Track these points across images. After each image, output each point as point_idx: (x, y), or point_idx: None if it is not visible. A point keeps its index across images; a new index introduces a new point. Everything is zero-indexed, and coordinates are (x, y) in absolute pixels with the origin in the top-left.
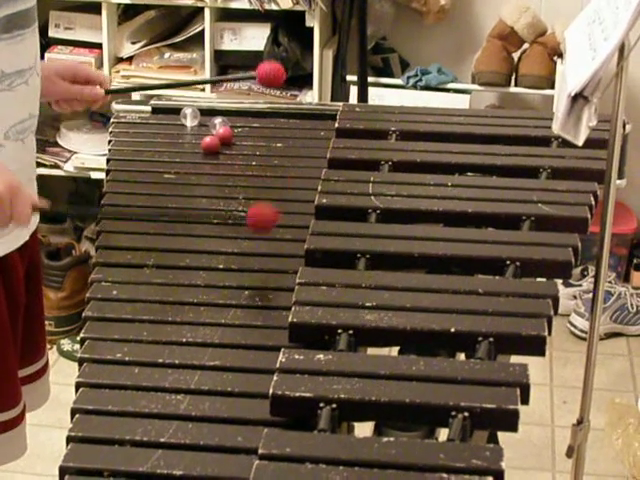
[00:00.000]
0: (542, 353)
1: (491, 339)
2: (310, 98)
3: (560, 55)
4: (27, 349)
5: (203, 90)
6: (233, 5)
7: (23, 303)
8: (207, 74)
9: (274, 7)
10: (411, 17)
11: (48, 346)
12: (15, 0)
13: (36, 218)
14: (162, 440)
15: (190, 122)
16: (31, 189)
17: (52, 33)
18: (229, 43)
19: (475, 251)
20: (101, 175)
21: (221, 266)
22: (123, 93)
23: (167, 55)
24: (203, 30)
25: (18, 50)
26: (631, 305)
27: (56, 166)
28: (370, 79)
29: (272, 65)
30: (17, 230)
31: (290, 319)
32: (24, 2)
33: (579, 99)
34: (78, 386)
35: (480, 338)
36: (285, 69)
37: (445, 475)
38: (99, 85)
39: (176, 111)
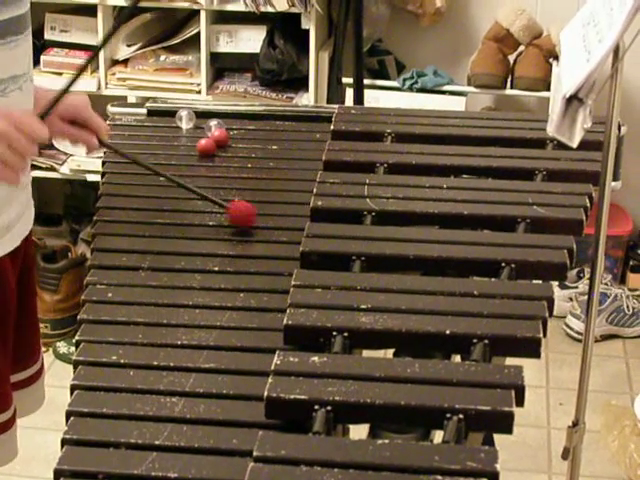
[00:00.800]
0: (537, 355)
1: (486, 341)
2: (306, 100)
3: (556, 57)
4: (20, 354)
5: (199, 92)
6: (229, 7)
7: (14, 308)
8: (203, 76)
9: (270, 9)
10: (407, 19)
11: (44, 349)
12: (8, 6)
13: (29, 221)
14: (157, 443)
15: (185, 124)
16: (23, 195)
17: (48, 36)
18: (225, 45)
19: (470, 253)
20: (97, 177)
21: (216, 268)
22: (115, 152)
23: (163, 58)
24: (199, 32)
25: (12, 56)
26: (627, 307)
27: (52, 169)
28: (366, 81)
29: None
30: (8, 235)
31: (285, 321)
32: (18, 8)
33: (574, 101)
34: (73, 389)
35: (475, 340)
36: (281, 71)
37: (440, 477)
38: (95, 132)
39: (172, 113)
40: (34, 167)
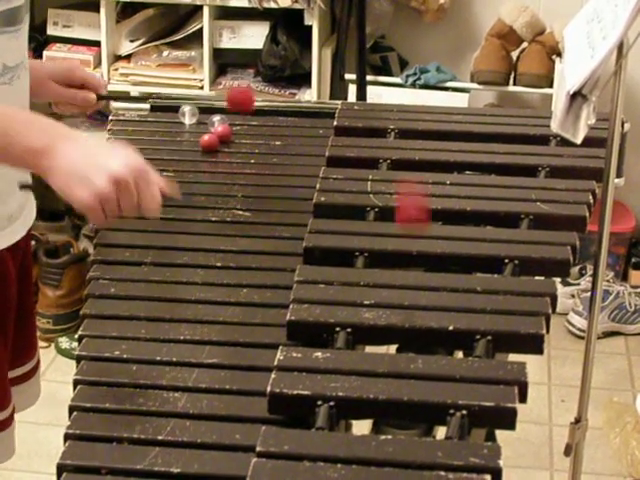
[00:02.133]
0: (540, 351)
1: (489, 337)
2: (309, 96)
3: (559, 54)
4: (18, 350)
5: (202, 88)
6: (232, 3)
7: (15, 304)
8: (206, 72)
9: (273, 5)
10: (410, 16)
11: (46, 344)
12: None
13: (32, 213)
14: (160, 438)
15: (189, 120)
16: (20, 193)
17: (50, 31)
18: (228, 41)
19: (473, 249)
20: None
21: (219, 264)
22: (115, 100)
23: (166, 53)
24: (202, 28)
25: (18, 44)
26: (629, 304)
27: None
28: (369, 77)
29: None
30: (10, 228)
31: (288, 317)
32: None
33: (578, 97)
34: (76, 384)
35: (478, 336)
36: (284, 67)
37: (443, 473)
38: (94, 90)
39: (174, 109)
40: None
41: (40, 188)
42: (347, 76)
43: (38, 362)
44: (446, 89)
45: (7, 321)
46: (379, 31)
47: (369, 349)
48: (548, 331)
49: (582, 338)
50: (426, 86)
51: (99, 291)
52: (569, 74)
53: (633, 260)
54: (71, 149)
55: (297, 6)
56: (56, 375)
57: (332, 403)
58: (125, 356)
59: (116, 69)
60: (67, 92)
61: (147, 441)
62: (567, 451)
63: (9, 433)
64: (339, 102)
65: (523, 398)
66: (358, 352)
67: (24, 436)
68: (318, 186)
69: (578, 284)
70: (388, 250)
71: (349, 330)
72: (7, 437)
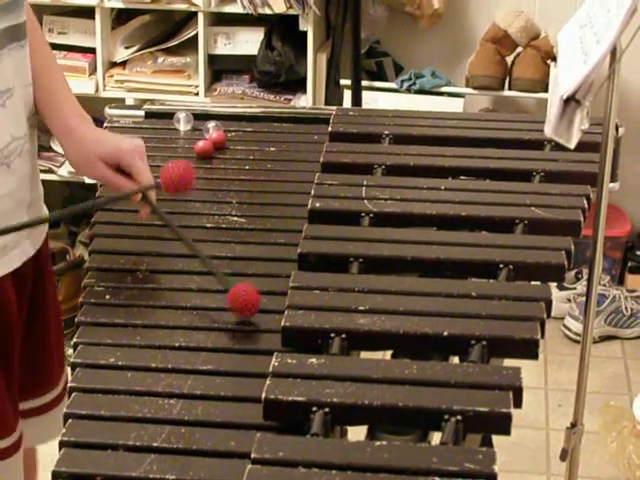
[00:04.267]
0: (535, 356)
1: (484, 342)
2: (304, 102)
3: (554, 58)
4: (31, 380)
5: (197, 94)
6: (226, 9)
7: (17, 328)
8: (201, 78)
9: (267, 11)
10: (405, 21)
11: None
12: (12, 13)
13: (37, 241)
14: (155, 445)
15: (183, 126)
16: (22, 215)
17: (46, 38)
18: (223, 47)
19: (468, 255)
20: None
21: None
22: (161, 219)
23: (161, 59)
24: (197, 34)
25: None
26: (625, 308)
27: (50, 171)
28: (364, 83)
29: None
30: (6, 257)
31: (283, 323)
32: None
33: (571, 102)
34: (71, 391)
35: (473, 341)
36: (279, 73)
37: (438, 479)
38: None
39: (169, 115)
40: None
41: None
42: (342, 81)
43: (61, 393)
44: (441, 94)
45: (8, 350)
46: (374, 36)
47: (364, 355)
48: (543, 336)
49: (578, 342)
50: (421, 91)
51: (94, 298)
52: (562, 79)
53: (629, 264)
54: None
55: (292, 12)
56: None
57: (327, 409)
58: (120, 363)
59: (111, 76)
60: (114, 179)
61: (142, 448)
62: (563, 456)
63: (12, 463)
64: (334, 108)
65: (518, 403)
66: (353, 358)
67: None
68: (313, 192)
69: (574, 288)
70: (383, 256)
71: (344, 336)
72: (7, 468)
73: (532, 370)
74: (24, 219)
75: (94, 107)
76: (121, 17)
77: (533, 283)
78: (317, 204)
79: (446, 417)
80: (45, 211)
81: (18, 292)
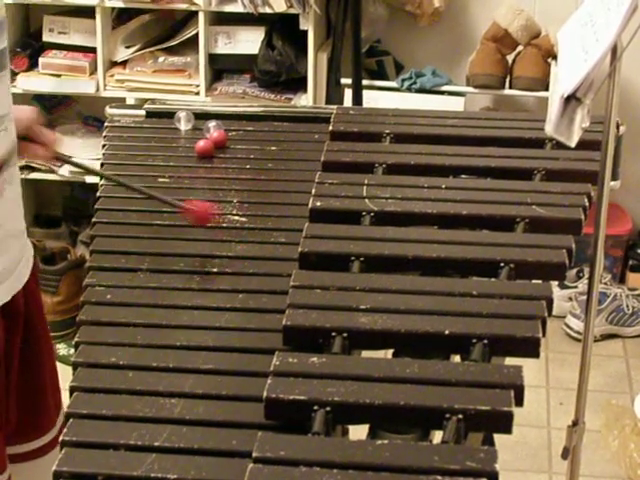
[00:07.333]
0: (536, 355)
1: (485, 341)
2: (304, 101)
3: (554, 57)
4: (23, 422)
5: (197, 94)
6: (227, 9)
7: (3, 372)
8: (201, 78)
9: (268, 10)
10: (405, 20)
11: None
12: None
13: (24, 275)
14: (156, 444)
15: (184, 126)
16: (16, 245)
17: (46, 37)
18: (223, 47)
19: (469, 253)
20: (95, 179)
21: (215, 270)
22: (69, 163)
23: (161, 59)
24: (197, 34)
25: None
26: (627, 306)
27: (51, 171)
28: (364, 82)
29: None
30: None
31: (284, 322)
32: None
33: (572, 101)
34: (72, 390)
35: (474, 340)
36: (280, 72)
37: (439, 477)
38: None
39: (170, 115)
40: (33, 169)
41: (38, 195)
42: (343, 80)
43: (52, 441)
44: (442, 93)
45: None
46: (374, 35)
47: (365, 354)
48: (544, 334)
49: (580, 341)
50: (422, 90)
51: (95, 298)
52: (563, 77)
53: (630, 262)
54: None
55: (292, 11)
56: None
57: (328, 408)
58: (121, 362)
59: (112, 75)
60: (29, 148)
61: (144, 447)
62: (564, 454)
63: None
64: (334, 107)
65: (519, 402)
66: (354, 357)
67: None
68: (314, 191)
69: (575, 287)
70: (384, 255)
71: (345, 335)
72: None
73: (533, 369)
74: (15, 249)
75: (95, 107)
76: (122, 17)
77: (534, 282)
78: (318, 203)
79: (447, 416)
80: (29, 244)
81: (7, 326)
